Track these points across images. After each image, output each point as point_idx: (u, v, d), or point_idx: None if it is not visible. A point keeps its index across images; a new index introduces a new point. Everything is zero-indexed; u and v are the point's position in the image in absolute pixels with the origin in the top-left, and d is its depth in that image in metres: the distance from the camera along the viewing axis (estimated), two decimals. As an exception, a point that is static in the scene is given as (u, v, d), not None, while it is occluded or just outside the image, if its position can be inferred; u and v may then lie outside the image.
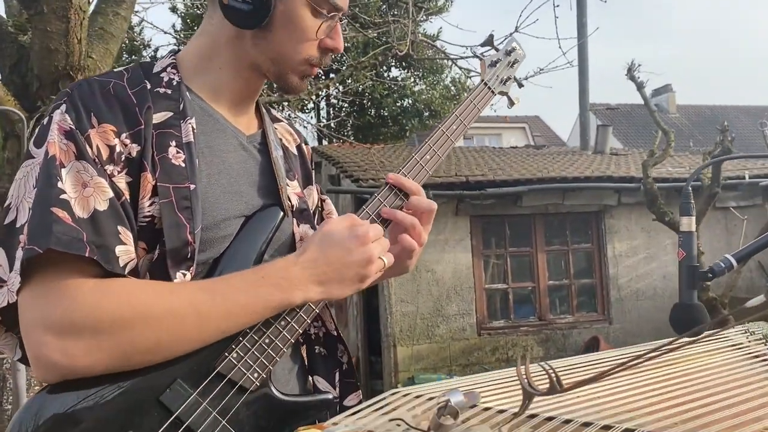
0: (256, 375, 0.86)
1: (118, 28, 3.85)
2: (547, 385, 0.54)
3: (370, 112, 13.53)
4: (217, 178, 0.91)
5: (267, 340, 0.87)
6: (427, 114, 13.95)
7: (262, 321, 0.86)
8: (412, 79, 14.10)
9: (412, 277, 6.93)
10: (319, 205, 1.14)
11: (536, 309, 7.55)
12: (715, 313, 4.72)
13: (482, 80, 1.12)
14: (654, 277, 7.75)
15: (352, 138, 8.13)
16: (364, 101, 12.71)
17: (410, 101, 13.97)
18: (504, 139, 21.10)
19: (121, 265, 0.81)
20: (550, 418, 0.55)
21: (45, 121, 0.85)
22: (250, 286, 0.84)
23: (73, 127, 0.82)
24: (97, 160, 0.82)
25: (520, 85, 1.18)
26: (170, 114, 0.89)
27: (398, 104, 13.89)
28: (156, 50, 9.41)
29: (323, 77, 10.58)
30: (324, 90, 8.09)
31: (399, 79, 13.63)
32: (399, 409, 0.65)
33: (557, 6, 5.24)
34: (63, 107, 0.84)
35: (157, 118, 0.87)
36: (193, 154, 0.87)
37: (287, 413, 0.89)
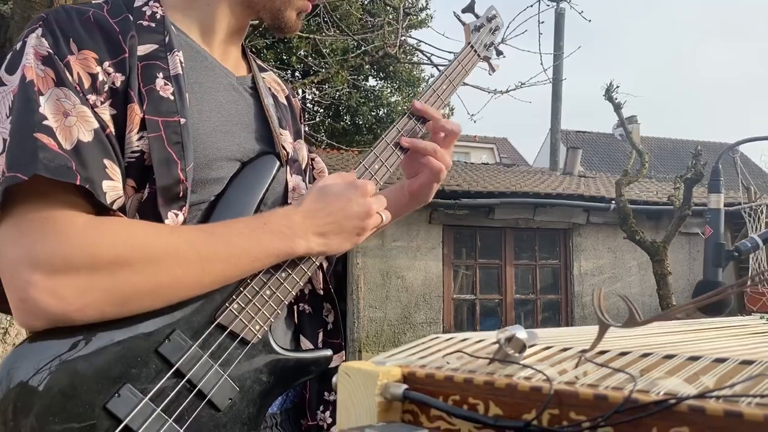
0: (257, 327, 0.82)
1: (102, 6, 3.76)
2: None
3: (345, 119, 13.50)
4: (208, 115, 0.86)
5: (268, 292, 0.83)
6: (401, 125, 13.93)
7: (263, 269, 0.82)
8: (389, 90, 14.13)
9: (382, 283, 6.90)
10: (310, 163, 1.10)
11: (502, 321, 7.58)
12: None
13: (468, 43, 1.12)
14: (618, 296, 7.87)
15: (325, 143, 8.07)
16: (340, 108, 12.68)
17: (385, 111, 13.99)
18: (472, 158, 21.32)
19: (108, 202, 0.74)
20: (624, 353, 0.52)
21: (18, 46, 0.77)
22: (252, 232, 0.80)
23: (51, 52, 0.74)
24: (78, 88, 0.74)
25: (499, 53, 1.19)
26: (155, 46, 0.82)
27: (373, 113, 13.90)
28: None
29: (300, 78, 10.53)
30: (300, 90, 8.03)
31: (376, 88, 13.65)
32: (443, 351, 0.61)
33: (542, 23, 5.31)
34: (39, 31, 0.76)
35: (142, 50, 0.81)
36: (182, 87, 0.81)
37: (289, 369, 0.85)
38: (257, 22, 0.98)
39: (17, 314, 0.71)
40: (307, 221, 0.83)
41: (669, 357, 0.48)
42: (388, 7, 5.84)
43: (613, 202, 6.53)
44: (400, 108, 13.86)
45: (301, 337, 0.96)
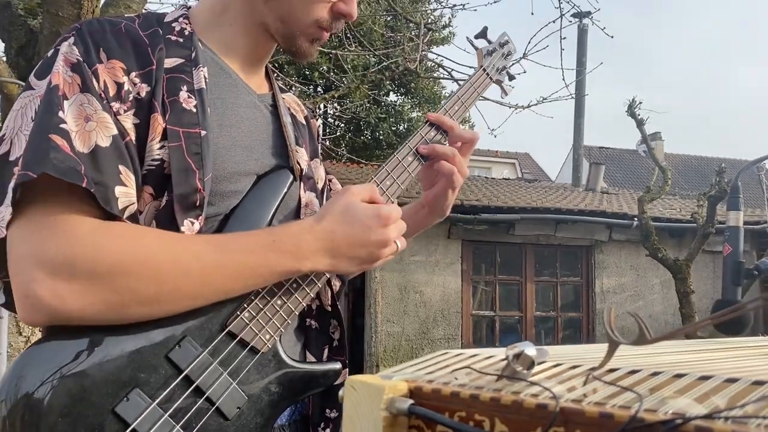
0: (267, 337, 0.82)
1: (128, 22, 3.82)
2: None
3: (366, 133, 13.56)
4: (228, 129, 0.87)
5: (279, 302, 0.84)
6: (421, 140, 13.93)
7: (267, 285, 0.82)
8: (409, 106, 14.18)
9: (400, 297, 6.88)
10: (327, 183, 1.12)
11: (522, 339, 7.50)
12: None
13: (480, 66, 1.15)
14: (640, 315, 7.74)
15: (346, 157, 8.12)
16: (361, 123, 12.75)
17: (405, 127, 14.03)
18: (494, 173, 21.23)
19: (120, 208, 0.75)
20: (633, 371, 0.51)
21: (50, 53, 0.80)
22: (259, 249, 0.80)
23: (81, 59, 0.78)
24: (103, 95, 0.77)
25: (512, 77, 1.21)
26: (182, 60, 0.85)
27: (393, 129, 13.95)
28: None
29: (321, 93, 10.62)
30: (322, 104, 8.10)
31: (396, 103, 13.72)
32: (451, 366, 0.60)
33: (564, 38, 5.29)
34: (71, 40, 0.79)
35: (169, 63, 0.84)
36: (205, 101, 0.84)
37: (297, 380, 0.86)
38: None
39: (20, 309, 0.73)
40: (320, 242, 0.83)
41: (679, 376, 0.48)
42: (410, 23, 5.87)
43: (636, 219, 6.46)
44: (419, 124, 13.86)
45: (307, 353, 0.96)
